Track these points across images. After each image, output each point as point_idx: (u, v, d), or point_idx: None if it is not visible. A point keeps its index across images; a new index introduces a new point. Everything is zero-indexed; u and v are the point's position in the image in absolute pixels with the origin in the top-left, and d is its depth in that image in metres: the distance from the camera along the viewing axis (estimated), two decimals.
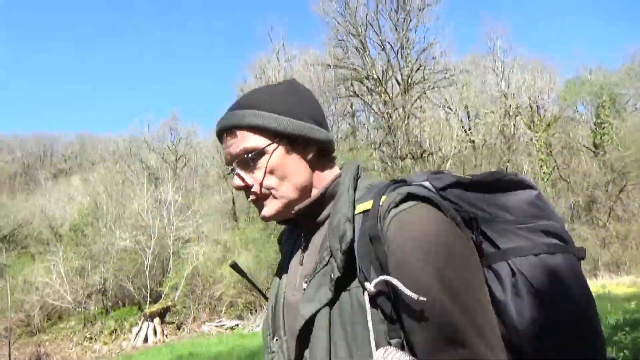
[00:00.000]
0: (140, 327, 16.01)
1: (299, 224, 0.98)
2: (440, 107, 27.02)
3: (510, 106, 29.63)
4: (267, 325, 0.98)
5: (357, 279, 0.79)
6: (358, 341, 0.78)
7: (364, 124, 30.17)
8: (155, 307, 16.93)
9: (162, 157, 43.32)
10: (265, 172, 0.90)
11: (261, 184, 0.90)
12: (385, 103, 25.78)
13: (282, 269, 1.02)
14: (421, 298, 0.70)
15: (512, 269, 0.79)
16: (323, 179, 0.94)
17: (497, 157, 26.52)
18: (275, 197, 0.91)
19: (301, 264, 0.95)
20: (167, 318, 17.01)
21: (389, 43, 26.03)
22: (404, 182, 0.87)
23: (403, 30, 25.97)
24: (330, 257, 0.82)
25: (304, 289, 0.87)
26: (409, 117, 25.17)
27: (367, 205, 0.83)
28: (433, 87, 26.69)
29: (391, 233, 0.77)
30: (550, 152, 25.29)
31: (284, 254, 1.06)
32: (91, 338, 16.59)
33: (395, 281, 0.73)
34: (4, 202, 27.59)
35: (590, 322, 0.81)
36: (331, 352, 0.80)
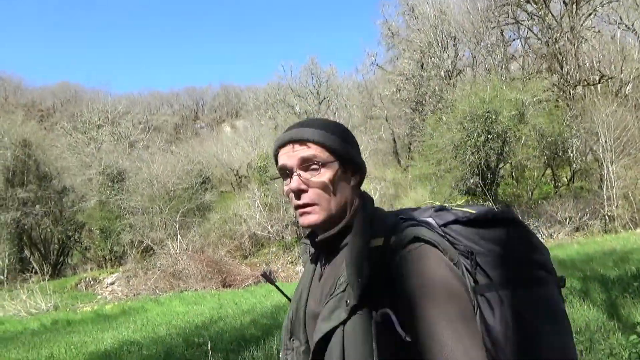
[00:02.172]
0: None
1: (321, 245, 1.08)
2: (615, 24, 24.39)
3: None
4: (287, 326, 1.12)
5: (365, 306, 0.91)
6: (365, 357, 0.90)
7: (520, 55, 28.55)
8: None
9: (305, 101, 45.67)
10: (326, 182, 1.01)
11: (317, 192, 1.01)
12: (549, 27, 24.08)
13: (305, 278, 1.15)
14: (407, 339, 0.84)
15: (501, 299, 0.89)
16: (354, 205, 1.06)
17: None
18: (322, 209, 1.01)
19: (320, 280, 1.08)
20: None
21: None
22: (410, 219, 0.99)
23: None
24: (347, 285, 0.94)
25: (324, 305, 1.00)
26: (579, 40, 23.31)
27: (379, 242, 0.95)
28: (604, 3, 24.07)
29: (397, 271, 0.90)
30: None
31: (306, 267, 1.18)
32: (292, 262, 19.52)
33: (393, 317, 0.86)
34: (179, 151, 31.35)
35: (565, 342, 0.91)
36: None
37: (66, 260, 28.85)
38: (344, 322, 0.93)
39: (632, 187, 16.90)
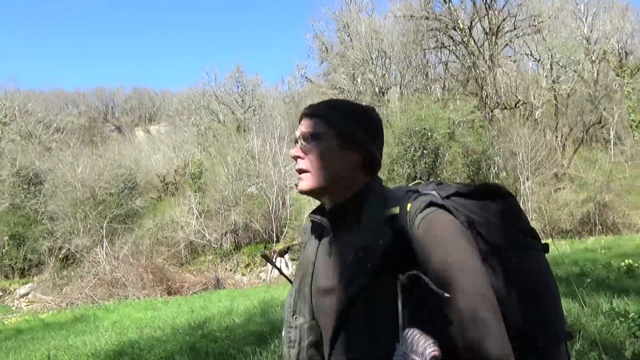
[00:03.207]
0: (275, 261, 18.52)
1: (329, 219, 1.11)
2: (527, 55, 27.33)
3: (594, 52, 29.45)
4: (290, 305, 1.14)
5: (387, 270, 0.95)
6: (389, 321, 0.93)
7: (442, 78, 30.78)
8: (281, 245, 19.34)
9: (229, 108, 45.33)
10: (317, 154, 1.07)
11: (308, 160, 1.08)
12: (471, 54, 26.36)
13: (306, 258, 1.16)
14: (446, 294, 0.87)
15: (503, 262, 0.98)
16: (357, 181, 1.09)
17: (584, 104, 26.86)
18: (313, 177, 1.08)
19: (329, 255, 1.09)
20: (289, 255, 19.43)
21: None
22: (417, 192, 1.06)
23: None
24: (366, 250, 0.98)
25: (339, 278, 1.03)
26: (496, 67, 25.76)
27: (395, 210, 1.00)
28: (519, 36, 26.87)
29: (420, 233, 0.95)
30: None
31: (307, 246, 1.20)
32: (230, 270, 19.32)
33: (422, 275, 0.90)
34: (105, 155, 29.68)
35: (556, 298, 1.03)
36: (367, 331, 0.97)
37: None
38: (366, 287, 0.96)
39: (544, 202, 19.01)
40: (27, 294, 21.45)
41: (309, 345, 1.08)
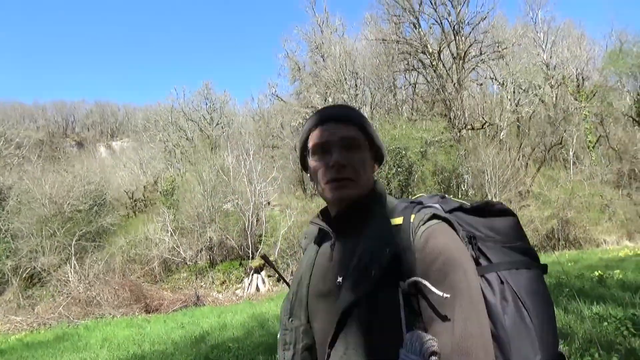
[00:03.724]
0: (251, 278, 18.47)
1: (335, 224, 1.14)
2: (492, 79, 28.67)
3: (552, 77, 31.22)
4: (286, 308, 1.17)
5: (389, 277, 0.97)
6: (388, 326, 0.95)
7: (409, 99, 31.82)
8: (257, 262, 19.35)
9: (197, 125, 45.16)
10: (360, 162, 1.11)
11: (355, 169, 1.10)
12: (440, 77, 27.43)
13: (306, 261, 1.19)
14: (446, 295, 0.90)
15: (500, 279, 1.01)
16: (370, 187, 1.15)
17: (544, 126, 28.32)
18: (358, 184, 1.10)
19: (330, 260, 1.12)
20: (265, 272, 19.43)
21: (446, 19, 27.43)
22: (420, 203, 1.10)
23: (459, 5, 27.31)
24: (371, 258, 1.00)
25: (339, 282, 1.05)
26: (463, 89, 26.89)
27: (398, 220, 1.04)
28: (485, 61, 28.19)
29: (421, 244, 0.98)
30: (601, 121, 26.92)
31: (306, 251, 1.23)
32: (205, 287, 19.10)
33: (424, 282, 0.93)
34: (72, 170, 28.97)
35: (552, 319, 1.04)
36: (366, 333, 0.97)
37: None
38: (368, 294, 0.97)
39: None
40: None
41: (302, 349, 1.09)
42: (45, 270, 20.34)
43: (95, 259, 19.60)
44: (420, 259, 0.97)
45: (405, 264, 0.97)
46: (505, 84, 28.25)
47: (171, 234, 19.93)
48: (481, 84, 27.88)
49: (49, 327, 12.83)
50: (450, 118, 26.15)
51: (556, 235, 19.27)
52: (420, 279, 0.94)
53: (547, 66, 32.22)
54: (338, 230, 1.13)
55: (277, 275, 19.65)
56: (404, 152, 19.08)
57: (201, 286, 19.13)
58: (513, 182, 21.03)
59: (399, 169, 19.23)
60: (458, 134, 25.45)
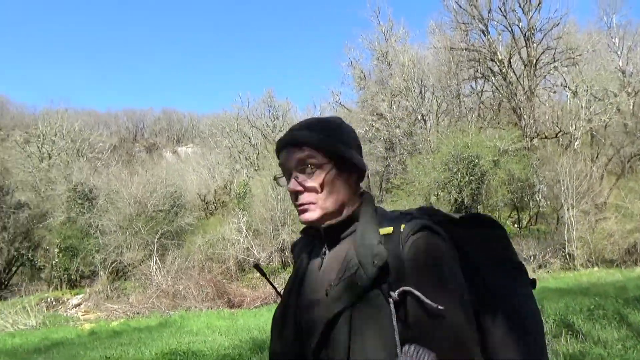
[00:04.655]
0: None
1: (322, 236, 1.13)
2: (564, 87, 27.85)
3: (629, 83, 29.78)
4: (278, 317, 1.16)
5: (379, 288, 0.96)
6: (374, 337, 0.95)
7: (475, 106, 31.46)
8: None
9: (261, 132, 46.57)
10: (319, 185, 1.07)
11: (312, 193, 1.08)
12: (510, 84, 27.01)
13: (297, 272, 1.19)
14: (435, 304, 0.91)
15: (489, 289, 1.03)
16: (355, 200, 1.13)
17: (621, 136, 27.12)
18: (318, 207, 1.08)
19: (319, 269, 1.11)
20: None
21: (517, 25, 27.02)
22: (411, 215, 1.07)
23: (530, 11, 26.84)
24: (357, 268, 0.99)
25: (326, 292, 1.03)
26: (535, 97, 26.35)
27: (388, 230, 1.02)
28: (557, 68, 27.45)
29: (410, 253, 0.97)
30: None
31: (299, 260, 1.21)
32: (278, 287, 19.88)
33: (415, 291, 0.93)
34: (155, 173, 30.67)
35: (541, 332, 1.06)
36: (350, 345, 0.96)
37: (8, 280, 27.11)
38: (353, 304, 0.97)
39: (589, 231, 19.22)
40: (80, 304, 22.32)
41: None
42: (130, 264, 21.95)
43: (175, 256, 20.93)
44: (409, 268, 0.96)
45: (395, 274, 0.97)
46: (578, 91, 27.36)
47: (245, 235, 20.92)
48: (554, 92, 27.08)
49: (143, 316, 13.98)
50: (521, 127, 25.69)
51: (639, 250, 18.46)
52: (410, 289, 0.94)
53: (623, 73, 30.80)
54: (328, 240, 1.12)
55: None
56: (476, 160, 19.04)
57: (276, 286, 19.93)
58: (590, 193, 20.37)
59: (471, 177, 19.19)
60: (529, 142, 24.97)
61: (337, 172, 1.09)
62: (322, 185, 1.07)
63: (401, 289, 0.94)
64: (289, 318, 1.12)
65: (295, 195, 1.09)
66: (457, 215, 1.14)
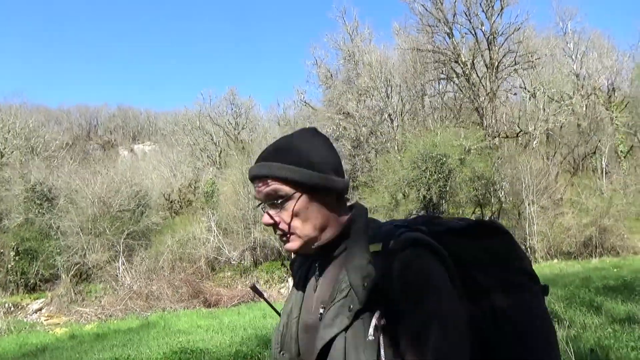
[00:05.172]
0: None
1: (314, 256, 1.11)
2: (523, 89, 29.10)
3: (582, 87, 31.49)
4: (277, 340, 1.14)
5: (367, 308, 0.94)
6: (367, 357, 0.91)
7: (437, 107, 32.35)
8: None
9: (223, 130, 46.24)
10: (290, 215, 1.04)
11: (287, 224, 1.05)
12: (473, 85, 27.95)
13: (295, 291, 1.16)
14: (419, 324, 0.90)
15: (491, 303, 0.98)
16: (339, 220, 1.08)
17: (575, 136, 28.66)
18: (298, 236, 1.05)
19: (315, 290, 1.09)
20: None
21: (480, 29, 28.01)
22: (406, 227, 1.03)
23: (493, 16, 27.85)
24: (349, 290, 0.96)
25: (320, 314, 1.01)
26: (496, 98, 27.40)
27: (377, 247, 0.99)
28: (517, 70, 28.63)
29: (397, 271, 0.94)
30: (635, 132, 27.17)
31: (297, 278, 1.19)
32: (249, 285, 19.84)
33: (400, 311, 0.91)
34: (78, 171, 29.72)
35: (550, 343, 1.01)
36: None
37: None
38: (346, 329, 0.95)
39: (548, 225, 20.25)
40: (41, 309, 21.44)
41: None
42: (95, 266, 21.28)
43: (143, 256, 20.49)
44: (395, 289, 0.93)
45: (382, 293, 0.94)
46: (535, 93, 28.65)
47: (216, 234, 20.73)
48: (514, 94, 28.28)
49: (117, 318, 13.64)
50: (484, 127, 26.64)
51: (594, 242, 19.60)
52: (396, 308, 0.92)
53: (577, 76, 32.51)
54: (320, 260, 1.10)
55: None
56: (444, 158, 19.65)
57: (246, 284, 19.85)
58: (548, 190, 21.43)
59: (439, 175, 19.79)
60: (491, 141, 25.95)
61: (309, 198, 1.05)
62: (293, 216, 1.04)
63: (382, 311, 0.93)
64: (289, 341, 1.10)
65: (273, 228, 1.08)
66: (459, 224, 1.10)
